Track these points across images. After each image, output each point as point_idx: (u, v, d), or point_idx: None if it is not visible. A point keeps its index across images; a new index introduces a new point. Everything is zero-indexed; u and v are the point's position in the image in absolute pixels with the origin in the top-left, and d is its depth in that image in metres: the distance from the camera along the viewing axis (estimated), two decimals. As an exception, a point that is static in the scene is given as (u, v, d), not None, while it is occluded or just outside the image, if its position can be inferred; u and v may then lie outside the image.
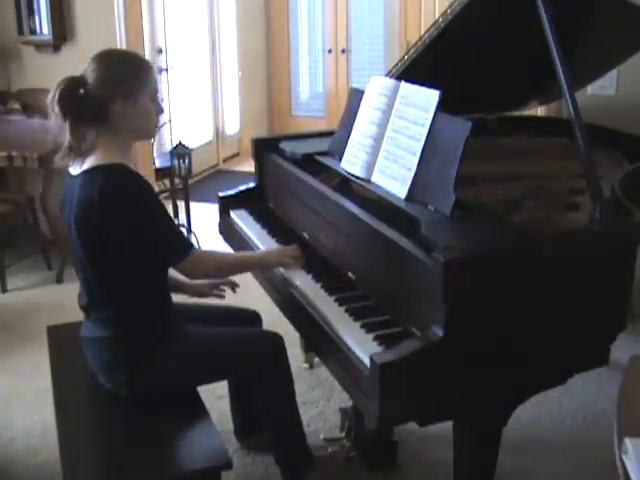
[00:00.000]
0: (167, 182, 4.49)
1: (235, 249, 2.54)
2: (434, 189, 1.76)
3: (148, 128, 1.91)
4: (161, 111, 1.92)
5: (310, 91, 7.09)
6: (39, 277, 3.94)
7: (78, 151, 1.81)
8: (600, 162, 1.88)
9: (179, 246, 1.86)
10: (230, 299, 2.24)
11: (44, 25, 4.01)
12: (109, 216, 1.74)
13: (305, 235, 2.23)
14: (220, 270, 2.04)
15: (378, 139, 1.98)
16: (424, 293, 1.58)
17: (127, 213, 1.75)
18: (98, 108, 1.79)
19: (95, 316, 1.90)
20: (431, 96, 1.83)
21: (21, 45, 4.15)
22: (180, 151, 4.29)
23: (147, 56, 4.63)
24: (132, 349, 1.87)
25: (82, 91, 1.78)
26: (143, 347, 1.88)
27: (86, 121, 1.80)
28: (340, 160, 2.13)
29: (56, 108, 1.78)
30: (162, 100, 1.96)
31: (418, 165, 1.82)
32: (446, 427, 1.73)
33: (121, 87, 1.79)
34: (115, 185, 1.75)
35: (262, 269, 2.18)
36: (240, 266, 2.08)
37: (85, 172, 1.79)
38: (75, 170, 1.84)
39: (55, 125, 1.82)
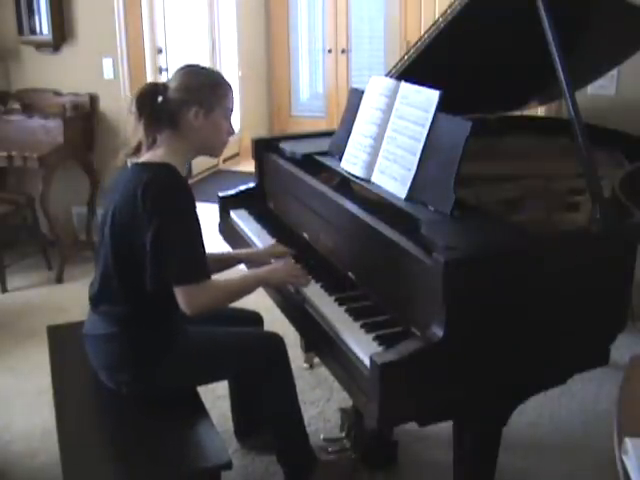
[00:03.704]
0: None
1: (235, 249, 2.54)
2: (434, 189, 1.76)
3: (216, 144, 1.94)
4: (232, 132, 1.95)
5: (310, 91, 7.09)
6: (39, 277, 3.94)
7: (144, 151, 1.87)
8: (600, 162, 1.88)
9: (189, 269, 1.78)
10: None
11: (44, 25, 4.00)
12: (145, 208, 1.74)
13: (305, 235, 2.24)
14: (221, 303, 1.91)
15: (378, 139, 1.98)
16: (424, 293, 1.58)
17: (161, 210, 1.75)
18: (172, 112, 1.85)
19: (103, 309, 1.89)
20: (431, 96, 1.83)
21: (21, 45, 4.14)
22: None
23: (147, 56, 4.63)
24: (136, 347, 1.87)
25: (161, 98, 1.86)
26: (147, 346, 1.88)
27: (158, 124, 1.86)
28: (340, 160, 2.14)
29: (133, 108, 1.85)
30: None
31: (418, 165, 1.82)
32: (446, 427, 1.73)
33: (198, 96, 1.85)
34: (162, 182, 1.78)
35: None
36: (241, 294, 1.93)
37: (138, 164, 1.84)
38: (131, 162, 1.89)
39: (129, 124, 1.89)
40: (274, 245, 2.24)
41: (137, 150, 1.89)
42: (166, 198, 1.77)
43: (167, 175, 1.80)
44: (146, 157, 1.86)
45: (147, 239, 1.75)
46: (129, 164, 1.89)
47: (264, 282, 2.00)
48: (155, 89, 1.88)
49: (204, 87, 1.87)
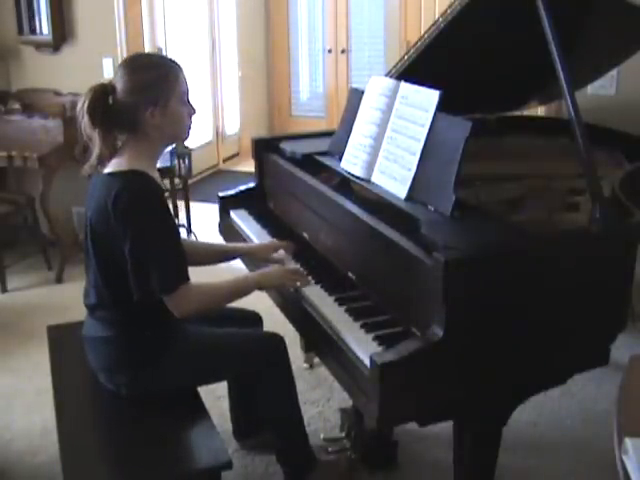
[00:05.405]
0: (167, 182, 4.49)
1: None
2: (434, 189, 1.76)
3: (179, 132, 1.88)
4: (193, 112, 1.88)
5: (310, 91, 7.09)
6: (39, 277, 3.94)
7: (108, 159, 1.81)
8: (600, 162, 1.87)
9: (166, 279, 1.76)
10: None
11: (44, 25, 4.00)
12: (117, 221, 1.73)
13: (305, 235, 2.23)
14: (211, 306, 1.92)
15: (378, 139, 1.98)
16: (424, 293, 1.58)
17: (133, 222, 1.73)
18: (128, 116, 1.78)
19: (100, 315, 1.89)
20: (431, 96, 1.83)
21: (21, 45, 4.15)
22: (180, 151, 4.29)
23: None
24: (134, 349, 1.87)
25: (111, 100, 1.78)
26: (145, 347, 1.88)
27: (116, 129, 1.80)
28: (340, 160, 2.13)
29: (85, 117, 1.76)
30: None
31: (418, 165, 1.82)
32: (446, 427, 1.73)
33: (149, 95, 1.77)
34: (130, 193, 1.74)
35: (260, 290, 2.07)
36: (234, 297, 1.93)
37: (108, 175, 1.79)
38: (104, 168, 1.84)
39: (84, 133, 1.80)
40: (274, 242, 2.23)
41: (100, 160, 1.81)
42: (136, 208, 1.74)
43: (135, 183, 1.76)
44: (113, 165, 1.80)
45: (125, 249, 1.74)
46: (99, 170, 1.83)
47: (258, 286, 1.97)
48: (104, 89, 1.78)
49: (153, 82, 1.77)
